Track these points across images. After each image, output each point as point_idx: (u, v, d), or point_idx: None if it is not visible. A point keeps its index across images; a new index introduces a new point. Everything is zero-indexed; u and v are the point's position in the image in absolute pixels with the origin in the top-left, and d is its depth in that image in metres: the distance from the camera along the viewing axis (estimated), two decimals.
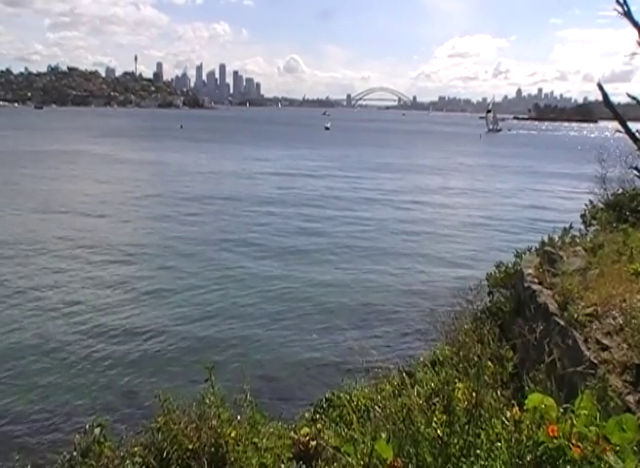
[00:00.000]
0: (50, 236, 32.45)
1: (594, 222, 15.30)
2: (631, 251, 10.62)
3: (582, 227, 15.00)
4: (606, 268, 10.13)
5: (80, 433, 5.23)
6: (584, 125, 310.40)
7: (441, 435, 4.09)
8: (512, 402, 4.32)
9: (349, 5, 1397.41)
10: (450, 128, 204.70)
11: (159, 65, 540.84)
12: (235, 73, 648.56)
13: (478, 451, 3.87)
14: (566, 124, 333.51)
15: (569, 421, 3.19)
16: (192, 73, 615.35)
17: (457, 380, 4.65)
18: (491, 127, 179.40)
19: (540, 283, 10.65)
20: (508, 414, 3.74)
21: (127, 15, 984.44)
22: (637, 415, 4.99)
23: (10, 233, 32.82)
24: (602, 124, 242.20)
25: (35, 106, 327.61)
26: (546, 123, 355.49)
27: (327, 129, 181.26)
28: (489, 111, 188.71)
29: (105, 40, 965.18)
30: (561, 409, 3.33)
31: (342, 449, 4.45)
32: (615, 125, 16.65)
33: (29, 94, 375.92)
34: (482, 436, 3.98)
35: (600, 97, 16.38)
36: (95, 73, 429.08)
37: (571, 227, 14.24)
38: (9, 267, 26.36)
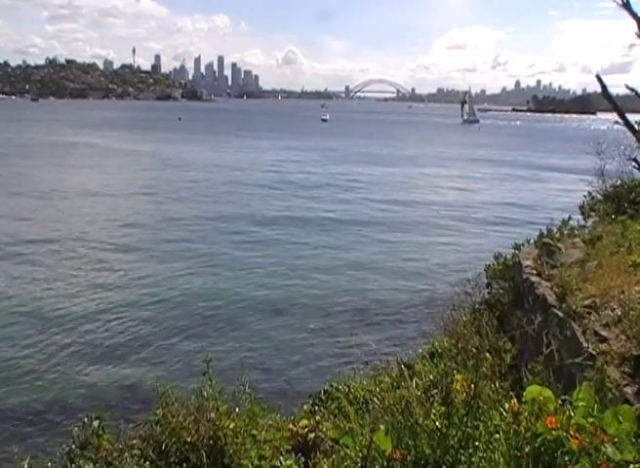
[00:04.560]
0: (43, 227, 32.45)
1: (593, 214, 15.28)
2: (630, 242, 10.61)
3: (581, 219, 14.98)
4: (604, 260, 10.12)
5: (79, 425, 5.22)
6: (583, 116, 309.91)
7: (439, 427, 4.09)
8: (511, 393, 4.32)
9: None
10: (449, 119, 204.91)
11: (157, 58, 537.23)
12: (234, 65, 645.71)
13: (477, 443, 3.88)
14: (564, 115, 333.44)
15: (567, 413, 3.20)
16: (190, 65, 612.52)
17: (455, 372, 4.65)
18: (466, 117, 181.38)
19: (538, 274, 10.64)
20: (507, 406, 3.74)
21: (126, 7, 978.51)
22: (635, 407, 5.00)
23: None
24: (601, 116, 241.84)
25: (32, 99, 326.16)
26: (528, 113, 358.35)
27: (324, 121, 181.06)
28: (465, 102, 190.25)
29: (104, 33, 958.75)
30: (559, 401, 3.33)
31: (341, 441, 4.46)
32: (613, 116, 16.60)
33: (27, 86, 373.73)
34: (480, 427, 3.99)
35: (599, 89, 16.30)
36: (93, 66, 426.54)
37: (569, 219, 14.22)
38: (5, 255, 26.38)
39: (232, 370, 6.55)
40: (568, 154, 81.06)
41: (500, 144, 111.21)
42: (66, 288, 22.81)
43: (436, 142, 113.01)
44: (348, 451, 4.24)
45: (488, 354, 5.26)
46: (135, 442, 5.46)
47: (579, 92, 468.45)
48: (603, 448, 2.97)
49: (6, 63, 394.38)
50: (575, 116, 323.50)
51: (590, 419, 3.12)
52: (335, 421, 7.19)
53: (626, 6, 14.84)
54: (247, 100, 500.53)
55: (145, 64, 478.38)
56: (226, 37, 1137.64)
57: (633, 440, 3.05)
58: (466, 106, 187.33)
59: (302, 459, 5.61)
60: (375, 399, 5.17)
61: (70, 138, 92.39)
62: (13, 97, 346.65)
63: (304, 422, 6.60)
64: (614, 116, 16.40)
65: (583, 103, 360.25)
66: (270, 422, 6.34)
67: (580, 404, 3.24)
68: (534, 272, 10.82)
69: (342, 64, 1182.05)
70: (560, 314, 8.64)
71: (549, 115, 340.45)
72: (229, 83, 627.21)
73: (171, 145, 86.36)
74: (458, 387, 4.36)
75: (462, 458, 3.89)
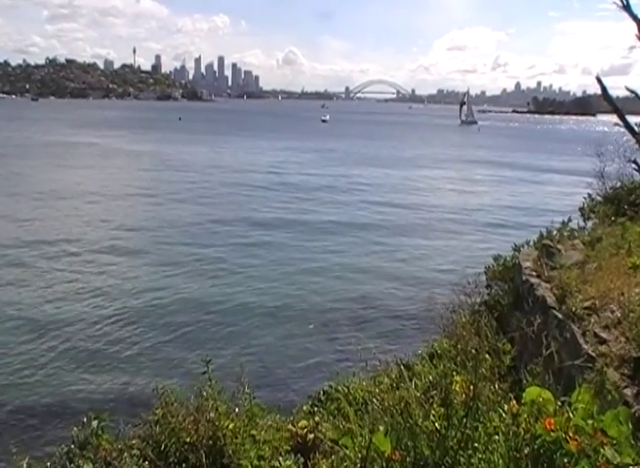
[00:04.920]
0: (40, 229, 32.44)
1: (592, 216, 15.30)
2: (629, 244, 10.62)
3: (581, 221, 15.00)
4: (604, 262, 10.13)
5: (78, 426, 5.22)
6: (583, 118, 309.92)
7: (439, 428, 4.09)
8: (510, 395, 4.32)
9: None
10: (448, 120, 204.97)
11: (157, 58, 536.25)
12: (234, 66, 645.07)
13: (476, 444, 3.88)
14: (563, 117, 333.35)
15: (566, 414, 3.20)
16: (191, 65, 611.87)
17: (454, 373, 4.65)
18: (464, 119, 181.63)
19: (538, 276, 10.65)
20: (506, 407, 3.74)
21: (126, 7, 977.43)
22: (635, 408, 5.00)
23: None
24: (601, 117, 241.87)
25: (32, 98, 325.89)
26: (528, 115, 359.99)
27: (324, 121, 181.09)
28: (463, 103, 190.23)
29: (104, 32, 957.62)
30: (558, 403, 3.33)
31: (340, 442, 4.45)
32: (613, 118, 16.64)
33: (27, 86, 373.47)
34: (480, 429, 3.98)
35: (599, 91, 16.34)
36: (93, 65, 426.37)
37: (569, 221, 14.24)
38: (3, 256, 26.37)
39: (231, 371, 6.55)
40: (568, 156, 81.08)
41: (500, 146, 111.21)
42: (65, 289, 22.78)
43: (435, 143, 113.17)
44: (347, 452, 4.24)
45: (487, 355, 5.26)
46: (134, 442, 5.46)
47: (579, 93, 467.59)
48: (602, 450, 2.97)
49: (6, 63, 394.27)
50: (574, 118, 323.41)
51: (589, 421, 3.12)
52: (334, 422, 7.19)
53: (626, 8, 14.89)
54: (247, 101, 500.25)
55: (146, 64, 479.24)
56: (226, 37, 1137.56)
57: (632, 442, 3.06)
58: (465, 107, 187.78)
59: (302, 460, 5.61)
60: (374, 400, 5.17)
61: (70, 138, 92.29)
62: (13, 96, 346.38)
63: (304, 423, 6.60)
64: (614, 118, 16.44)
65: (583, 105, 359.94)
66: (270, 423, 6.34)
67: (580, 405, 3.24)
68: (533, 274, 10.83)
69: (343, 65, 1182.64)
70: (560, 316, 8.65)
71: (549, 117, 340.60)
72: (229, 83, 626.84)
73: (171, 145, 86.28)
74: (457, 388, 4.36)
75: (462, 459, 3.89)
